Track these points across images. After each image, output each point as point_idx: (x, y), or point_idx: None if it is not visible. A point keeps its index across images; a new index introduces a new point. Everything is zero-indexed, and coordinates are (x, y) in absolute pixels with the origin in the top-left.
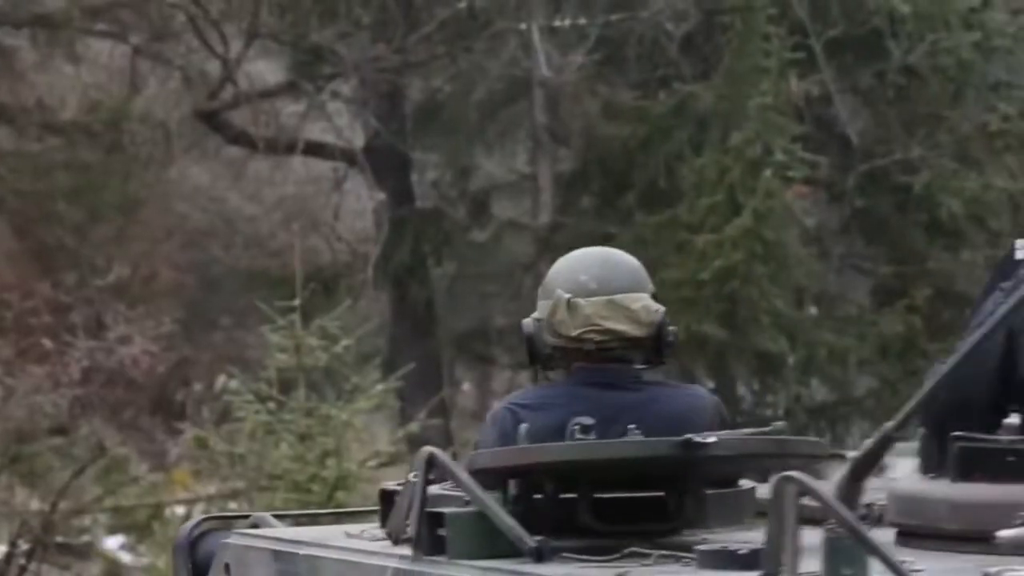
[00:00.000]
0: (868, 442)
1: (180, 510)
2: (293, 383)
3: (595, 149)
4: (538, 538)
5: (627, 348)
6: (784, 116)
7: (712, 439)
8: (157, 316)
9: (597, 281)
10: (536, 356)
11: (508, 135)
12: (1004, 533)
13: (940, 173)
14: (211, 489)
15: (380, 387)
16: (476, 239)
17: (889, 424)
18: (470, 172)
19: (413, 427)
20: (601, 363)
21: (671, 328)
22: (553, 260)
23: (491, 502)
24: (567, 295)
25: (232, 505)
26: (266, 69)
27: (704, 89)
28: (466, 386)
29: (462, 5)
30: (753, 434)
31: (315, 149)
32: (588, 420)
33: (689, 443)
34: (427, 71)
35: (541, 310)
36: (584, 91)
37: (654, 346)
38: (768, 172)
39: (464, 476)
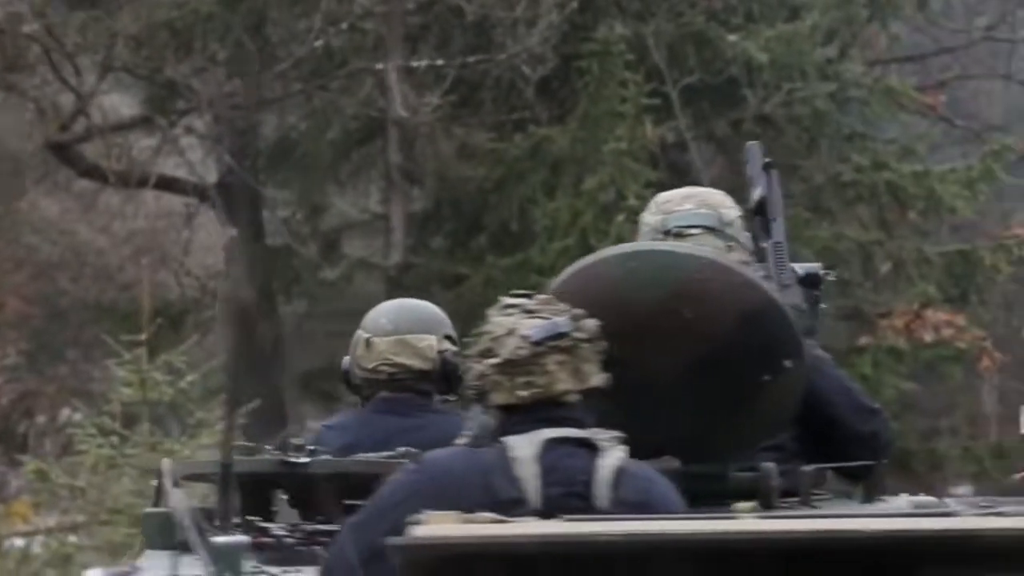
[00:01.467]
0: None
1: (19, 542)
2: (137, 417)
3: (448, 190)
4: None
5: (417, 380)
6: (639, 162)
7: (305, 459)
8: (2, 347)
9: (393, 324)
10: (350, 386)
11: (361, 174)
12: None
13: (793, 222)
14: (51, 522)
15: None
16: (327, 277)
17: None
18: (322, 210)
19: None
20: (396, 392)
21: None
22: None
23: (178, 503)
24: (367, 335)
25: (72, 539)
26: (120, 102)
27: (559, 133)
28: (310, 423)
29: (319, 43)
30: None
31: (167, 184)
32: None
33: (285, 462)
34: (282, 108)
35: (351, 348)
36: (439, 132)
37: (442, 379)
38: (621, 217)
39: (168, 484)
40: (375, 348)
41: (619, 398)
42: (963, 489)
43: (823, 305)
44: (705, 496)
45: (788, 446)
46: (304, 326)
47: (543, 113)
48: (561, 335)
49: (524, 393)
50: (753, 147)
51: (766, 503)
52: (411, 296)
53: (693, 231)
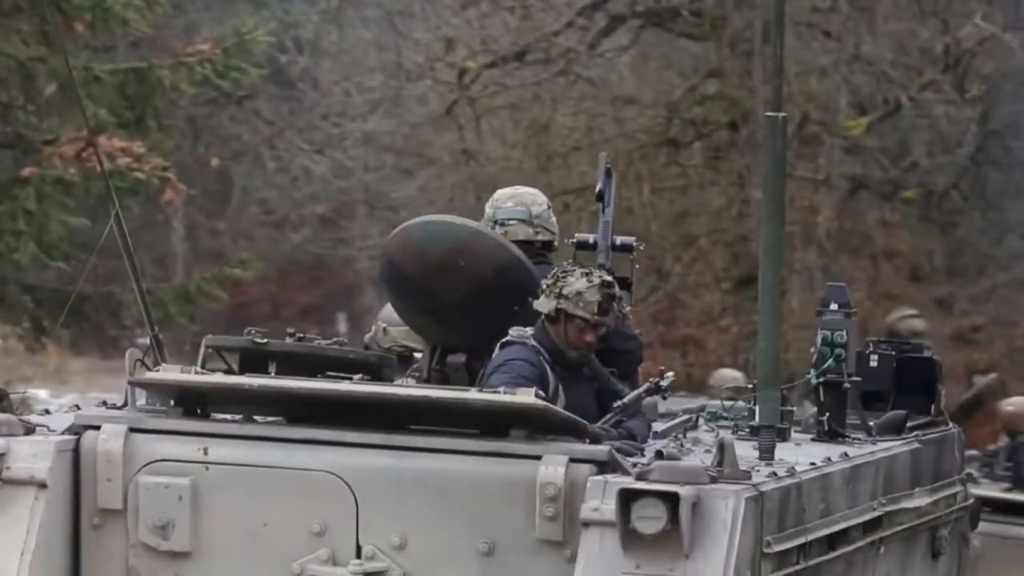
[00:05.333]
0: None
1: None
2: None
3: None
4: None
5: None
6: None
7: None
8: None
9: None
10: None
11: None
12: None
13: None
14: None
15: None
16: None
17: None
18: None
19: None
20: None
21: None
22: None
23: None
24: (383, 324)
25: None
26: None
27: None
28: None
29: None
30: None
31: None
32: None
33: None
34: None
35: (373, 332)
36: None
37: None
38: None
39: None
40: (390, 334)
41: (426, 314)
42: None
43: (637, 266)
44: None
45: None
46: None
47: None
48: None
49: None
50: (602, 156)
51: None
52: None
53: (511, 221)
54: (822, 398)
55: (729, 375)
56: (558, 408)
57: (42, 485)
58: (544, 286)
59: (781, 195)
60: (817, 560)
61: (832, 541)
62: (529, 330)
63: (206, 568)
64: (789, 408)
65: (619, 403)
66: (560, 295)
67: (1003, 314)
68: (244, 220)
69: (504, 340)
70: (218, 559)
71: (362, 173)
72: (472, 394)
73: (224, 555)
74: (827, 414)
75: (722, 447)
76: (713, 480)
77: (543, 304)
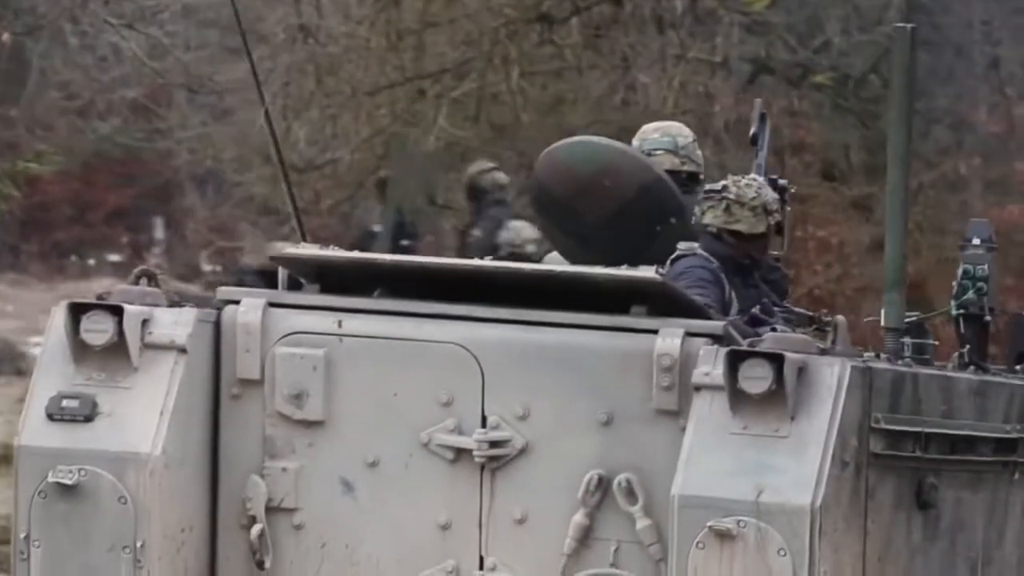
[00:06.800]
0: None
1: None
2: None
3: None
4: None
5: None
6: None
7: None
8: None
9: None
10: None
11: None
12: None
13: None
14: None
15: None
16: None
17: None
18: None
19: None
20: None
21: None
22: None
23: None
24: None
25: None
26: None
27: None
28: None
29: None
30: None
31: None
32: None
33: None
34: None
35: None
36: None
37: None
38: None
39: None
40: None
41: (572, 234)
42: None
43: (788, 208)
44: None
45: None
46: None
47: None
48: None
49: None
50: (758, 102)
51: None
52: None
53: (657, 151)
54: (962, 330)
55: None
56: (679, 287)
57: (182, 350)
58: (742, 205)
59: (909, 104)
60: (937, 456)
61: (955, 445)
62: (696, 244)
63: (338, 436)
64: (931, 342)
65: (780, 307)
66: (768, 211)
67: (931, 219)
68: (42, 106)
69: (673, 256)
70: (350, 428)
71: (181, 52)
72: (595, 270)
73: (355, 424)
74: (967, 346)
75: (836, 327)
76: (823, 353)
77: (756, 225)
